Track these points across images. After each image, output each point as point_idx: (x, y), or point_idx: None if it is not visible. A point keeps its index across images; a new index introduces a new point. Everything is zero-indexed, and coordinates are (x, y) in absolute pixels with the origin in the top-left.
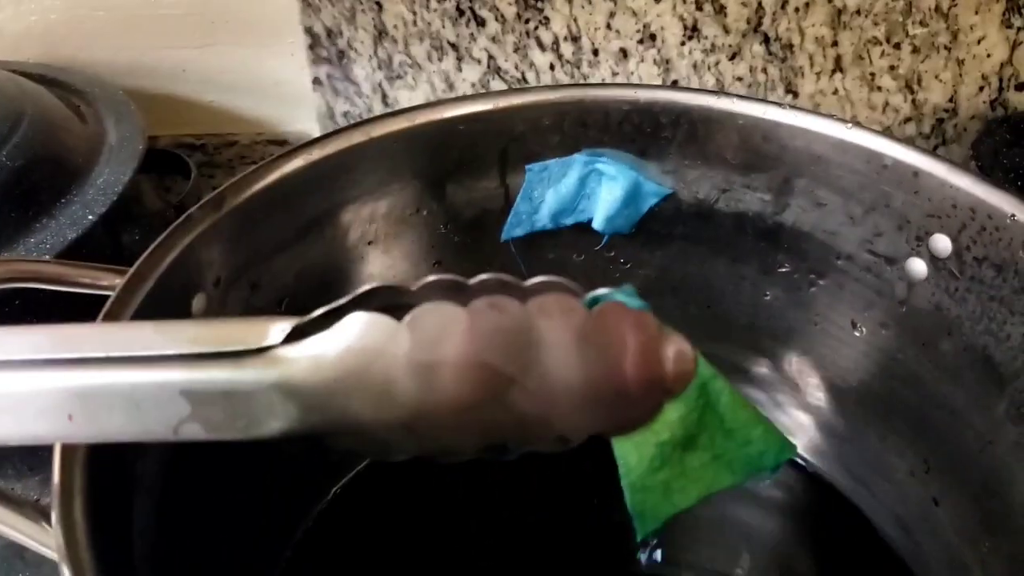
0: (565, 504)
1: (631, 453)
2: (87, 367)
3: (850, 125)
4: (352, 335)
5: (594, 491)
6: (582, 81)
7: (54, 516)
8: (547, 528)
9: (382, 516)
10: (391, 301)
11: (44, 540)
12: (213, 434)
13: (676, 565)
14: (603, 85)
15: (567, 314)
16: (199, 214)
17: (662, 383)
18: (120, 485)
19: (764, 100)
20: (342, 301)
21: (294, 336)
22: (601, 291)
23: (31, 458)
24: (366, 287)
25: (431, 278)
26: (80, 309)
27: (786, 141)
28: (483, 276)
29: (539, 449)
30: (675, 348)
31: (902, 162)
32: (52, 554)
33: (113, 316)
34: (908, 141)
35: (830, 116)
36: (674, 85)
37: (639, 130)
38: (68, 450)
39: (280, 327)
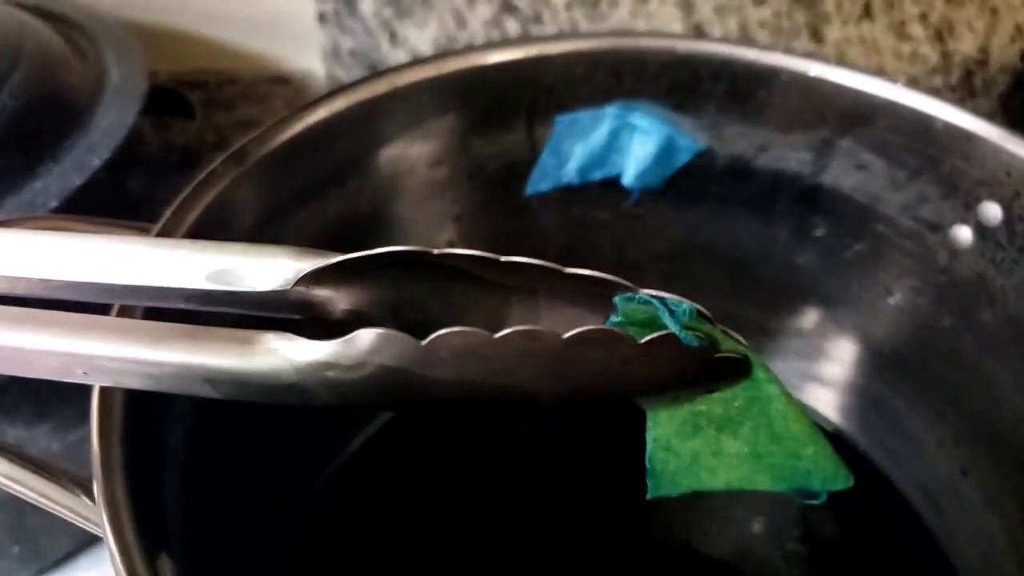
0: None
1: (662, 410)
2: (98, 342)
3: (899, 84)
4: (367, 350)
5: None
6: (600, 22)
7: (97, 494)
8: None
9: (401, 469)
10: (412, 259)
11: (83, 513)
12: (233, 398)
13: (691, 525)
14: (639, 34)
15: (612, 345)
16: (222, 169)
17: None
18: (154, 459)
19: (809, 56)
20: (356, 255)
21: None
22: (648, 292)
23: (41, 406)
24: (384, 249)
25: (462, 252)
26: None
27: (831, 99)
28: (520, 259)
29: None
30: (731, 370)
31: (955, 126)
32: (92, 528)
33: None
34: (935, 92)
35: (879, 75)
36: (698, 31)
37: (676, 83)
38: (105, 427)
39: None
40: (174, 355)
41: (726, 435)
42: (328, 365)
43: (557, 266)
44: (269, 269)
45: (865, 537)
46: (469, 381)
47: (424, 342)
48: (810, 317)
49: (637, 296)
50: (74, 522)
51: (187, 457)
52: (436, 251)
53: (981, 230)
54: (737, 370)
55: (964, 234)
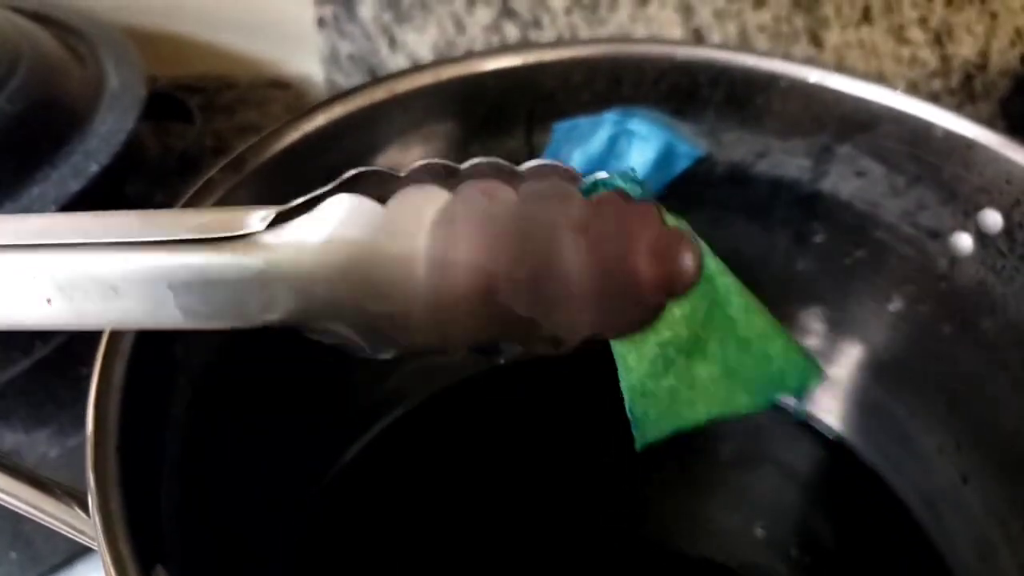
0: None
1: (630, 352)
2: (63, 252)
3: (899, 91)
4: (335, 221)
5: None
6: (600, 27)
7: (91, 506)
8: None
9: (399, 474)
10: (379, 187)
11: (78, 526)
12: (194, 323)
13: (690, 529)
14: (638, 41)
15: (563, 202)
16: (219, 177)
17: (667, 281)
18: (150, 468)
19: (808, 63)
20: (328, 187)
21: (277, 222)
22: (601, 175)
23: (39, 411)
24: (353, 171)
25: (421, 162)
26: None
27: (830, 106)
28: (476, 160)
29: (531, 351)
30: (681, 243)
31: (955, 133)
32: (87, 541)
33: None
34: (934, 97)
35: (878, 81)
36: (697, 36)
37: (675, 89)
38: (100, 437)
39: (261, 214)
40: (139, 255)
41: (696, 360)
42: (297, 247)
43: (510, 164)
44: (245, 216)
45: (864, 544)
46: (433, 261)
47: (388, 204)
48: (810, 323)
49: (588, 183)
50: (68, 535)
51: (185, 466)
52: (402, 173)
53: (981, 237)
54: (686, 254)
55: (964, 241)
